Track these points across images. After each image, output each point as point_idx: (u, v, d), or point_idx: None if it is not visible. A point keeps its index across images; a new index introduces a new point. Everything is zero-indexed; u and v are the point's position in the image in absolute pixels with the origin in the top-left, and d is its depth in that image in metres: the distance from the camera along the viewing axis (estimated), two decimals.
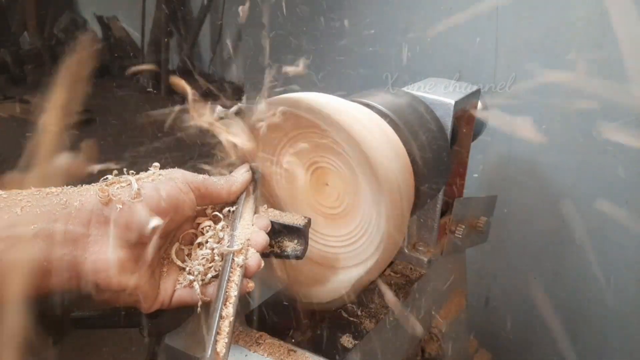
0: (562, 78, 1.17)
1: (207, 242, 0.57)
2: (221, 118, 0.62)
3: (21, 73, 3.60)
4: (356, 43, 1.48)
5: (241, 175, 0.62)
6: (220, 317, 0.50)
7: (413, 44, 1.37)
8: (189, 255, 0.58)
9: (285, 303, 0.76)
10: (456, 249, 0.91)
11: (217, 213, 0.60)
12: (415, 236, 0.88)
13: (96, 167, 0.54)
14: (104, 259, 0.49)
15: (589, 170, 1.20)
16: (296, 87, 0.67)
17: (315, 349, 0.67)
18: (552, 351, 1.41)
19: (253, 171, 0.64)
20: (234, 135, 0.63)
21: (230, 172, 0.64)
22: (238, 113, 0.64)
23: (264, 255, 0.59)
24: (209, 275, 0.56)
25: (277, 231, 0.62)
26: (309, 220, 0.63)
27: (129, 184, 0.52)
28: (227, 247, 0.55)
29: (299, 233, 0.61)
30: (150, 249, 0.52)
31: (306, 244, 0.62)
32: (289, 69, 0.67)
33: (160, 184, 0.53)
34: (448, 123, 0.78)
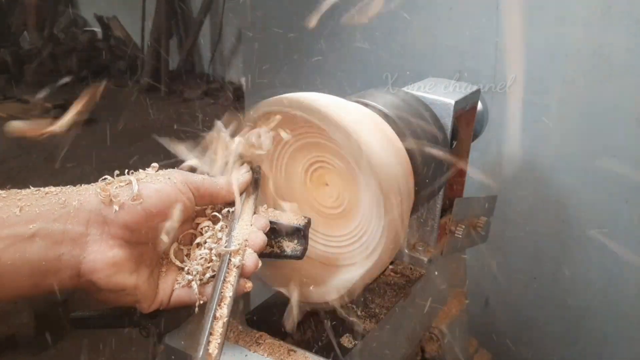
0: (562, 78, 1.17)
1: (205, 242, 0.57)
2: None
3: (21, 73, 3.60)
4: (356, 43, 1.47)
5: (241, 175, 0.62)
6: (214, 317, 0.50)
7: (413, 44, 1.37)
8: (188, 255, 0.58)
9: (285, 303, 0.76)
10: (456, 249, 0.91)
11: (216, 213, 0.60)
12: (415, 236, 0.88)
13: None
14: (103, 258, 0.49)
15: (589, 170, 1.20)
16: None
17: (315, 349, 0.67)
18: (552, 351, 1.41)
19: (253, 171, 0.64)
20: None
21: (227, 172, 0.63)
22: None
23: (263, 255, 0.59)
24: (207, 276, 0.56)
25: (277, 231, 0.61)
26: (309, 221, 0.62)
27: (127, 184, 0.52)
28: (225, 247, 0.55)
29: (299, 233, 0.61)
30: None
31: (306, 244, 0.61)
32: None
33: (159, 184, 0.53)
34: (448, 123, 0.78)
